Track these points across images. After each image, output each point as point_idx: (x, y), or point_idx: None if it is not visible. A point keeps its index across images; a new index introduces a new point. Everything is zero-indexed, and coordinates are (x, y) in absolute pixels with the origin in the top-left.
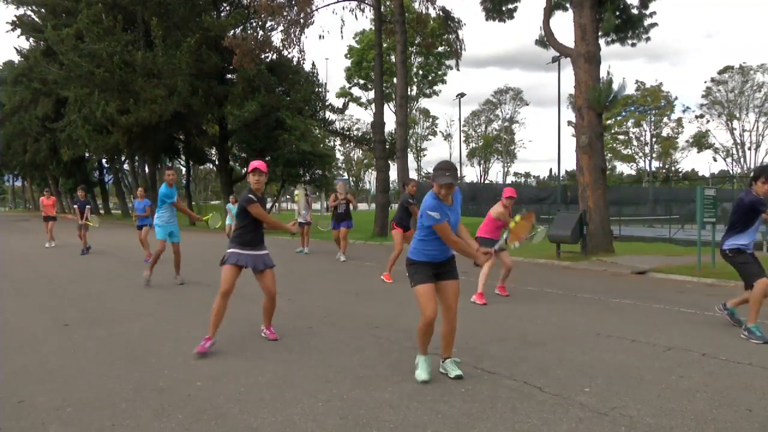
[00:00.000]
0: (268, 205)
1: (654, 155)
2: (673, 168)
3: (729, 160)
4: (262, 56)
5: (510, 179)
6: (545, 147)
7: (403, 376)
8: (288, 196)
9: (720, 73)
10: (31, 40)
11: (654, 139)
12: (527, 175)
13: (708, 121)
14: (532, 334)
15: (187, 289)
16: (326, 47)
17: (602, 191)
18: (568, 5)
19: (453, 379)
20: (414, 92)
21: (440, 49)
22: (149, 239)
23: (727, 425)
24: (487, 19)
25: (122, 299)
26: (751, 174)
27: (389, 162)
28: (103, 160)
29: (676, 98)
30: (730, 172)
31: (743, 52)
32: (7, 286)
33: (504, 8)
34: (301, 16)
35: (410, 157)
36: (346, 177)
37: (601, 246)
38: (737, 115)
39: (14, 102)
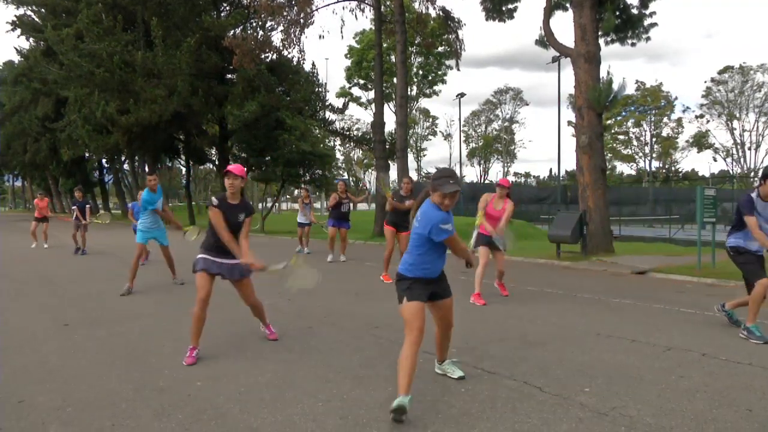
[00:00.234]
0: (269, 205)
1: (654, 155)
2: (673, 168)
3: (729, 160)
4: (262, 56)
5: (510, 179)
6: (545, 147)
7: None
8: (288, 197)
9: (720, 73)
10: (31, 40)
11: (654, 139)
12: (527, 175)
13: (708, 121)
14: (532, 334)
15: (187, 289)
16: (326, 47)
17: (602, 191)
18: (568, 5)
19: (456, 379)
20: (414, 92)
21: (440, 49)
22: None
23: (727, 425)
24: (487, 19)
25: (122, 299)
26: (760, 173)
27: (389, 162)
28: (103, 160)
29: (676, 98)
30: (730, 172)
31: (743, 52)
32: (7, 286)
33: (504, 8)
34: (301, 16)
35: (410, 157)
36: (346, 177)
37: (601, 246)
38: (737, 115)
39: (14, 102)
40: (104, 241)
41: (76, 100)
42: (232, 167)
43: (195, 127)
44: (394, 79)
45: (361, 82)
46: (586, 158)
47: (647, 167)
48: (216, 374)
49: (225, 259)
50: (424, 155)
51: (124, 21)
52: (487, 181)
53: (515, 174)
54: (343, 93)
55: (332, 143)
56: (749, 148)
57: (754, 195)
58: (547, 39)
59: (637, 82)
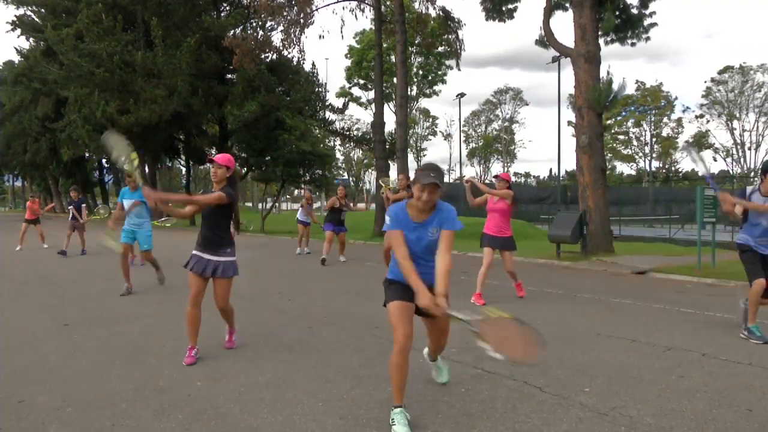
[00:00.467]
0: (269, 205)
1: (654, 155)
2: (673, 168)
3: (729, 160)
4: (262, 56)
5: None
6: (545, 147)
7: None
8: (288, 197)
9: (720, 73)
10: (31, 40)
11: (654, 139)
12: (527, 175)
13: (708, 121)
14: None
15: (187, 289)
16: (326, 47)
17: (602, 191)
18: (568, 5)
19: (442, 384)
20: (414, 92)
21: (440, 49)
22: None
23: (727, 425)
24: (487, 19)
25: (122, 299)
26: (760, 168)
27: (389, 162)
28: (103, 160)
29: (676, 98)
30: (730, 172)
31: (743, 52)
32: (7, 286)
33: (504, 8)
34: (301, 16)
35: (410, 157)
36: (347, 177)
37: (601, 246)
38: (737, 115)
39: (14, 102)
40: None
41: (76, 100)
42: (217, 156)
43: (195, 127)
44: (394, 79)
45: (361, 82)
46: (586, 158)
47: (647, 167)
48: (216, 374)
49: (210, 255)
50: (424, 155)
51: (124, 21)
52: (486, 181)
53: (515, 174)
54: (343, 93)
55: (332, 143)
56: (749, 148)
57: (749, 189)
58: (547, 39)
59: (637, 82)
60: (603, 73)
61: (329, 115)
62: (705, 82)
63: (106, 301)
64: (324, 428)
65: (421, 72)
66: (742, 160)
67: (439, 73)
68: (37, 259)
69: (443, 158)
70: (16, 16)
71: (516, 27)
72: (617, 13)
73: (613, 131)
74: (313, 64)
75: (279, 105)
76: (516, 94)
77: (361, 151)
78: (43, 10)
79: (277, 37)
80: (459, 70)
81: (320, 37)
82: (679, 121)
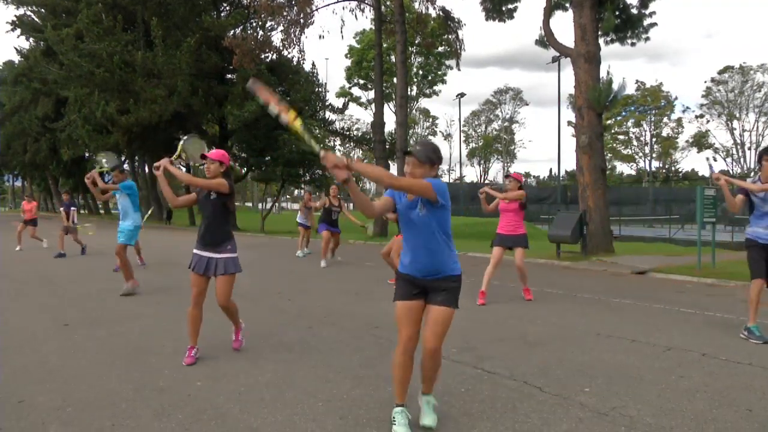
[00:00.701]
0: (269, 205)
1: (654, 155)
2: (673, 168)
3: (729, 160)
4: (262, 56)
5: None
6: (545, 147)
7: None
8: (288, 197)
9: (720, 73)
10: (31, 40)
11: (654, 139)
12: (527, 175)
13: (708, 121)
14: (532, 334)
15: (187, 289)
16: (326, 47)
17: (602, 191)
18: (568, 5)
19: (424, 426)
20: (414, 92)
21: (440, 49)
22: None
23: (727, 425)
24: (487, 19)
25: (122, 299)
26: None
27: (389, 162)
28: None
29: (676, 98)
30: (730, 172)
31: (743, 52)
32: (7, 286)
33: (504, 8)
34: (301, 16)
35: None
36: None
37: (601, 246)
38: (737, 115)
39: (14, 102)
40: (104, 242)
41: (76, 100)
42: (211, 152)
43: (195, 127)
44: (394, 79)
45: (361, 82)
46: (586, 158)
47: (647, 167)
48: (216, 374)
49: (210, 253)
50: None
51: (124, 21)
52: (486, 181)
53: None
54: (343, 93)
55: (332, 143)
56: (749, 148)
57: (749, 181)
58: (547, 39)
59: (637, 82)
60: (603, 73)
61: (329, 115)
62: (705, 82)
63: (106, 301)
64: (324, 428)
65: (421, 72)
66: (742, 160)
67: (439, 73)
68: (37, 259)
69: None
70: (16, 16)
71: (516, 27)
72: (617, 13)
73: (613, 131)
74: (313, 64)
75: None
76: (516, 94)
77: (361, 151)
78: (43, 10)
79: (277, 37)
80: (459, 70)
81: (320, 37)
82: (679, 121)
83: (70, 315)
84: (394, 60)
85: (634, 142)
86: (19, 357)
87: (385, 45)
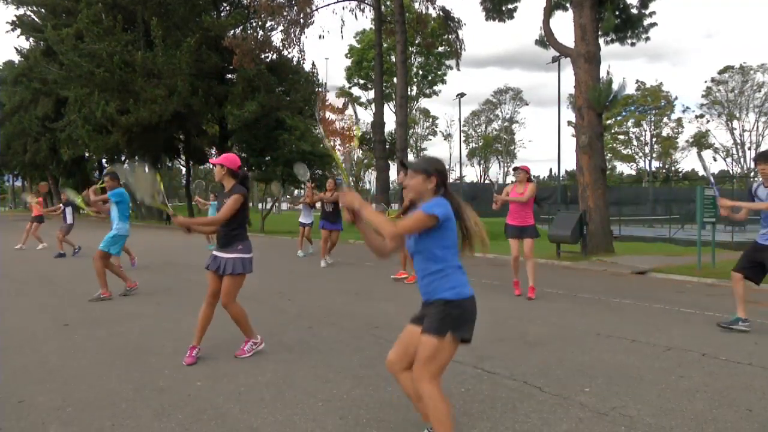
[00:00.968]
0: (269, 205)
1: (654, 155)
2: (673, 168)
3: (729, 160)
4: (262, 56)
5: (510, 179)
6: (545, 147)
7: None
8: (288, 197)
9: (720, 73)
10: (31, 40)
11: (654, 139)
12: None
13: (708, 121)
14: (532, 334)
15: (187, 289)
16: (326, 47)
17: (602, 191)
18: (568, 5)
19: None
20: (414, 92)
21: (440, 49)
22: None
23: (727, 425)
24: (487, 19)
25: (122, 299)
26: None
27: (389, 162)
28: (103, 160)
29: (676, 98)
30: (730, 172)
31: (743, 52)
32: (7, 286)
33: (504, 8)
34: (301, 16)
35: (410, 157)
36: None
37: (601, 246)
38: (737, 115)
39: (14, 102)
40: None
41: (76, 100)
42: (213, 159)
43: (195, 127)
44: (394, 79)
45: (361, 82)
46: (586, 158)
47: (647, 167)
48: (216, 374)
49: (222, 253)
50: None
51: (124, 21)
52: (486, 181)
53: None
54: (343, 93)
55: (332, 143)
56: (749, 148)
57: (754, 185)
58: (547, 39)
59: (637, 82)
60: (603, 73)
61: (329, 115)
62: (705, 82)
63: (106, 301)
64: (324, 428)
65: (421, 72)
66: (742, 160)
67: (439, 73)
68: (37, 259)
69: (443, 158)
70: (16, 16)
71: (516, 27)
72: (617, 13)
73: (613, 131)
74: (313, 64)
75: (279, 105)
76: (516, 94)
77: (361, 151)
78: (43, 10)
79: (277, 37)
80: (459, 70)
81: (320, 37)
82: (679, 121)
83: (70, 315)
84: (394, 60)
85: (634, 142)
86: (19, 357)
87: (385, 45)
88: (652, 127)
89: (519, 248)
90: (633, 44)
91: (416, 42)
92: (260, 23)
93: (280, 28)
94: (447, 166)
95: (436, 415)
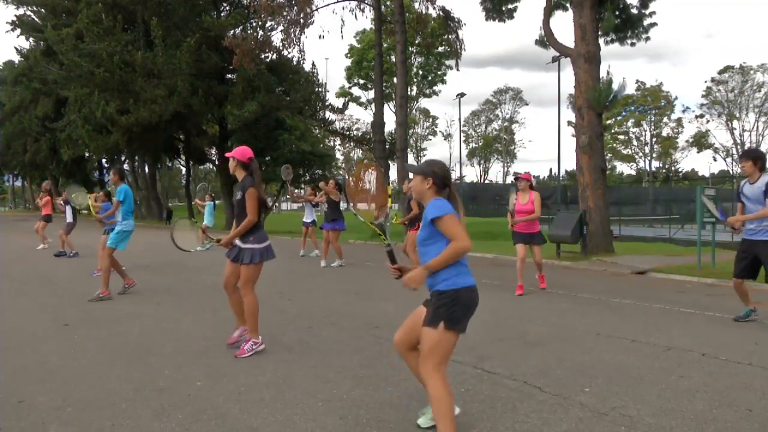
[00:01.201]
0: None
1: (654, 155)
2: (673, 168)
3: (729, 160)
4: (262, 56)
5: (510, 179)
6: (545, 147)
7: (403, 375)
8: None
9: (720, 73)
10: (31, 40)
11: (654, 139)
12: None
13: (708, 121)
14: (532, 334)
15: (187, 289)
16: (326, 47)
17: (602, 191)
18: (568, 5)
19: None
20: (414, 92)
21: (440, 49)
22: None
23: (727, 425)
24: (487, 19)
25: (122, 299)
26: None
27: (389, 162)
28: (103, 160)
29: (676, 98)
30: (730, 172)
31: (743, 52)
32: (7, 286)
33: (504, 8)
34: (301, 16)
35: (410, 157)
36: (347, 177)
37: (601, 246)
38: (737, 115)
39: (14, 102)
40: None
41: (76, 100)
42: (229, 153)
43: (195, 127)
44: (394, 79)
45: (361, 82)
46: (586, 158)
47: (647, 167)
48: (216, 374)
49: (239, 242)
50: (424, 155)
51: (124, 21)
52: (487, 181)
53: (515, 174)
54: (343, 93)
55: (332, 143)
56: None
57: (741, 183)
58: (547, 39)
59: (637, 82)
60: (603, 73)
61: (329, 115)
62: (705, 82)
63: (106, 301)
64: (324, 428)
65: (421, 72)
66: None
67: (439, 73)
68: (37, 259)
69: (443, 158)
70: (16, 16)
71: (516, 27)
72: (617, 13)
73: (613, 131)
74: (313, 64)
75: (279, 105)
76: (516, 94)
77: (361, 151)
78: (43, 10)
79: (277, 37)
80: (459, 70)
81: (320, 37)
82: (679, 121)
83: (70, 315)
84: (394, 60)
85: (634, 142)
86: (19, 357)
87: (385, 45)
88: (652, 127)
89: (526, 252)
90: (633, 44)
91: (416, 42)
92: (260, 23)
93: (280, 28)
94: (449, 168)
95: (439, 407)
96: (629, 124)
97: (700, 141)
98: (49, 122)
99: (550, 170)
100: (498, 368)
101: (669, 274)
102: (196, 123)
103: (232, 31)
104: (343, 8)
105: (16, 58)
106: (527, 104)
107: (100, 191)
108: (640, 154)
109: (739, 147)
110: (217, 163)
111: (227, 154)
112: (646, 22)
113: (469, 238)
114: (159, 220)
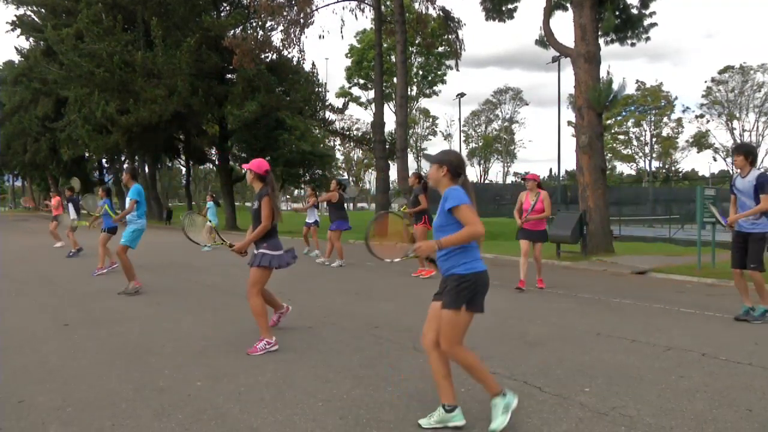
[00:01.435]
0: None
1: (654, 155)
2: (673, 168)
3: (729, 160)
4: (262, 56)
5: (510, 179)
6: (545, 147)
7: (403, 376)
8: (288, 197)
9: (720, 73)
10: (31, 40)
11: (654, 139)
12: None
13: (708, 121)
14: (532, 334)
15: (187, 289)
16: (326, 47)
17: (602, 191)
18: (568, 5)
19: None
20: (414, 92)
21: (440, 49)
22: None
23: (727, 425)
24: (487, 19)
25: (122, 299)
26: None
27: (389, 162)
28: (103, 160)
29: (676, 98)
30: (730, 172)
31: (743, 52)
32: (7, 286)
33: (504, 8)
34: (301, 16)
35: (410, 157)
36: (346, 177)
37: (601, 246)
38: (737, 115)
39: (14, 102)
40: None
41: (76, 100)
42: (246, 165)
43: (195, 127)
44: (394, 79)
45: (361, 82)
46: (586, 158)
47: (647, 167)
48: (216, 374)
49: (255, 248)
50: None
51: (124, 21)
52: (486, 181)
53: (515, 174)
54: (343, 93)
55: (332, 143)
56: None
57: (734, 177)
58: (547, 39)
59: (637, 82)
60: (603, 73)
61: (329, 115)
62: (705, 82)
63: (106, 301)
64: (324, 428)
65: (421, 72)
66: None
67: (439, 73)
68: (37, 259)
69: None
70: (16, 16)
71: (516, 27)
72: (617, 13)
73: (613, 131)
74: (313, 64)
75: (279, 105)
76: (516, 94)
77: (361, 151)
78: (43, 10)
79: (277, 37)
80: (458, 70)
81: (320, 37)
82: (679, 121)
83: (70, 315)
84: (394, 60)
85: (634, 142)
86: (19, 357)
87: (385, 45)
88: (652, 127)
89: (529, 248)
90: (633, 44)
91: (416, 42)
92: (260, 23)
93: (280, 28)
94: (463, 158)
95: (467, 363)
96: (629, 124)
97: (700, 141)
98: (49, 122)
99: (550, 170)
100: (498, 368)
101: (669, 274)
102: (196, 123)
103: (232, 31)
104: (343, 8)
105: (16, 58)
106: (527, 104)
107: (99, 189)
108: (640, 154)
109: None
110: (217, 163)
111: (244, 166)
112: (646, 22)
113: (482, 224)
114: (159, 220)
